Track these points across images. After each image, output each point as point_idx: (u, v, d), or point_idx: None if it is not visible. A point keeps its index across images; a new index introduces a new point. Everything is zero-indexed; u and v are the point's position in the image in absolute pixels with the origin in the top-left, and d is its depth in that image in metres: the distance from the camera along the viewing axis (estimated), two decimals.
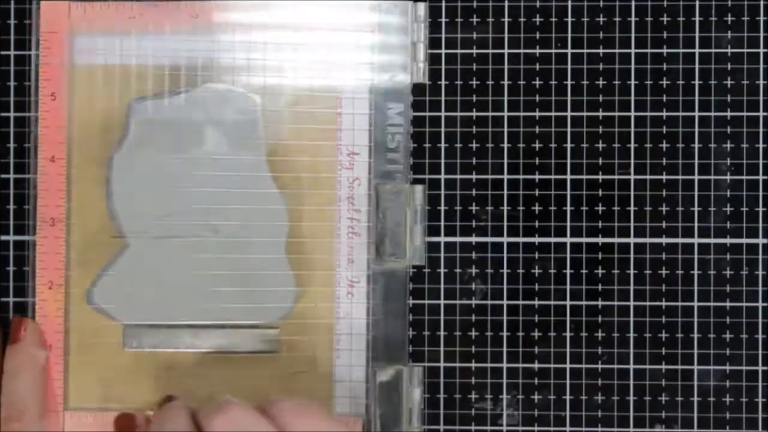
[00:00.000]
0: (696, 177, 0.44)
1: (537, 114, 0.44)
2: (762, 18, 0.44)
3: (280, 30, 0.43)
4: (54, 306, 0.43)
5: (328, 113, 0.44)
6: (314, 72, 0.44)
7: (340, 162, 0.44)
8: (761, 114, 0.44)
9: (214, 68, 0.44)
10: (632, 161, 0.44)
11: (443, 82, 0.44)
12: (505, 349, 0.44)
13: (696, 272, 0.44)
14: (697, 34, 0.44)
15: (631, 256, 0.44)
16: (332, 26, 0.43)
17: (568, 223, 0.44)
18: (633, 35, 0.44)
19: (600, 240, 0.44)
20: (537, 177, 0.44)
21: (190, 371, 0.43)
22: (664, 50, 0.44)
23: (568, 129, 0.44)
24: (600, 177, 0.44)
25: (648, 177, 0.44)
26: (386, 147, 0.43)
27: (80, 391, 0.43)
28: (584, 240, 0.44)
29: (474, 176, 0.44)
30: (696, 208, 0.44)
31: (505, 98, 0.44)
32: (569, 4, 0.44)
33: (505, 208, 0.44)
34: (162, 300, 0.43)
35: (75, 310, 0.43)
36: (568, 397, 0.44)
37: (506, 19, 0.44)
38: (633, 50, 0.44)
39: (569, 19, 0.44)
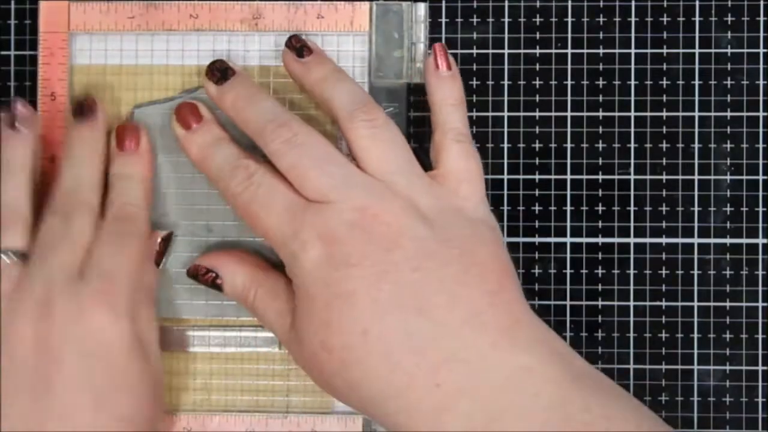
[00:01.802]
0: (696, 177, 0.44)
1: (537, 114, 0.44)
2: (762, 18, 0.44)
3: (279, 31, 0.43)
4: None
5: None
6: None
7: None
8: (761, 114, 0.44)
9: None
10: (632, 161, 0.44)
11: None
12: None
13: (696, 272, 0.44)
14: (697, 34, 0.44)
15: (631, 256, 0.44)
16: (331, 26, 0.43)
17: (568, 223, 0.44)
18: (633, 35, 0.44)
19: (600, 240, 0.44)
20: (537, 177, 0.44)
21: (188, 369, 0.43)
22: (664, 50, 0.44)
23: (568, 129, 0.44)
24: (600, 177, 0.44)
25: (648, 177, 0.44)
26: None
27: None
28: (584, 240, 0.44)
29: None
30: (696, 208, 0.44)
31: (505, 98, 0.44)
32: (569, 4, 0.44)
33: (505, 208, 0.44)
34: (159, 298, 0.43)
35: None
36: None
37: (506, 19, 0.44)
38: (633, 50, 0.44)
39: (569, 19, 0.44)
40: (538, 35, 0.44)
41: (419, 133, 0.44)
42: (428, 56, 0.41)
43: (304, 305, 0.37)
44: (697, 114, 0.44)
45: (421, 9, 0.43)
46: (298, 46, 0.41)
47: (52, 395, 0.36)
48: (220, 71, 0.41)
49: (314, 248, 0.36)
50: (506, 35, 0.44)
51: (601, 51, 0.44)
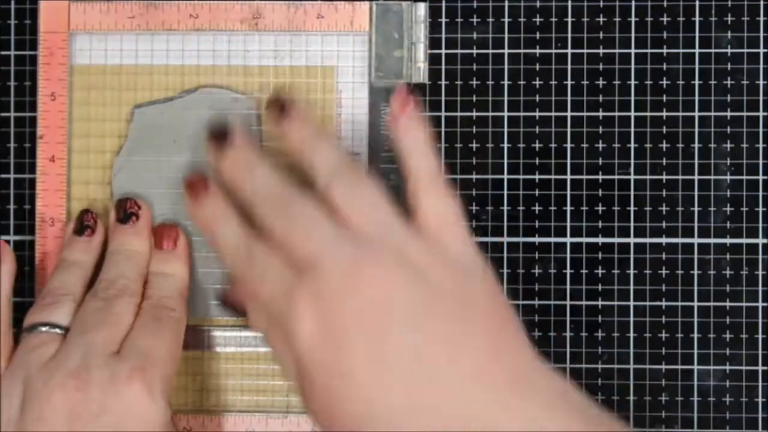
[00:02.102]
0: (696, 177, 0.44)
1: (537, 114, 0.44)
2: (762, 18, 0.44)
3: (279, 31, 0.43)
4: None
5: (327, 114, 0.44)
6: (313, 73, 0.44)
7: None
8: (761, 114, 0.44)
9: (212, 68, 0.44)
10: (632, 161, 0.44)
11: (443, 82, 0.44)
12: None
13: (696, 272, 0.44)
14: (697, 34, 0.44)
15: (631, 256, 0.44)
16: (331, 26, 0.43)
17: (568, 223, 0.44)
18: (633, 35, 0.44)
19: (600, 240, 0.44)
20: (537, 177, 0.44)
21: (188, 369, 0.43)
22: (664, 50, 0.44)
23: (568, 129, 0.44)
24: (600, 177, 0.44)
25: (648, 177, 0.44)
26: (382, 147, 0.43)
27: None
28: (584, 240, 0.44)
29: (474, 176, 0.44)
30: (696, 208, 0.44)
31: (505, 98, 0.44)
32: (569, 4, 0.44)
33: (505, 208, 0.44)
34: None
35: None
36: None
37: (506, 19, 0.44)
38: (633, 50, 0.44)
39: (569, 19, 0.44)
40: (538, 35, 0.44)
41: None
42: (392, 100, 0.40)
43: (304, 384, 0.36)
44: (697, 114, 0.44)
45: (421, 9, 0.43)
46: (277, 107, 0.40)
47: None
48: (218, 135, 0.40)
49: (307, 322, 0.35)
50: (506, 35, 0.44)
51: (601, 51, 0.44)
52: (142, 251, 0.42)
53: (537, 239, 0.44)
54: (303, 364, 0.35)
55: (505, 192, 0.44)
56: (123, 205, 0.43)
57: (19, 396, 0.37)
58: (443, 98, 0.44)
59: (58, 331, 0.39)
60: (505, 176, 0.44)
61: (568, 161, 0.44)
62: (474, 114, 0.44)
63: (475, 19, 0.44)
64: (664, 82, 0.44)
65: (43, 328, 0.39)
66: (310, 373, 0.35)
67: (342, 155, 0.39)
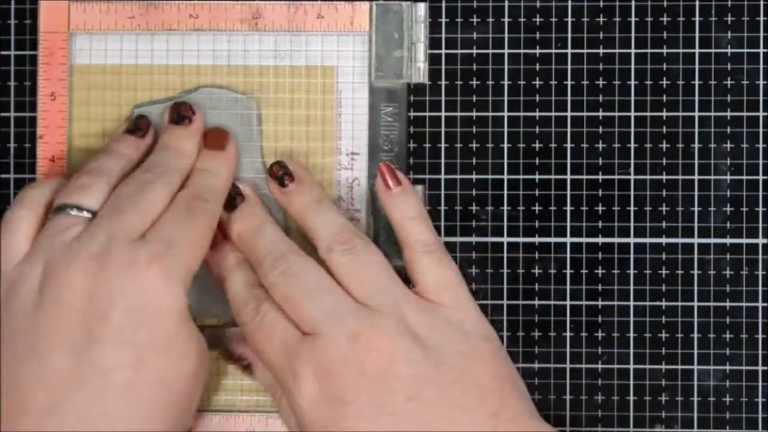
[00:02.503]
0: (696, 177, 0.44)
1: (537, 114, 0.44)
2: (762, 18, 0.44)
3: (279, 31, 0.43)
4: None
5: (327, 114, 0.44)
6: (313, 73, 0.44)
7: (339, 162, 0.44)
8: (761, 114, 0.44)
9: (212, 68, 0.44)
10: (632, 161, 0.44)
11: (443, 82, 0.44)
12: (505, 349, 0.44)
13: (696, 272, 0.44)
14: (697, 34, 0.44)
15: (631, 256, 0.44)
16: (331, 26, 0.43)
17: (568, 223, 0.44)
18: (633, 35, 0.44)
19: (600, 240, 0.44)
20: (537, 177, 0.44)
21: None
22: (664, 50, 0.44)
23: (568, 129, 0.44)
24: (600, 177, 0.44)
25: (648, 177, 0.44)
26: (381, 148, 0.43)
27: None
28: (584, 240, 0.44)
29: (474, 176, 0.44)
30: (696, 208, 0.44)
31: (505, 98, 0.44)
32: (569, 4, 0.44)
33: (505, 208, 0.44)
34: None
35: None
36: (568, 397, 0.44)
37: (506, 19, 0.44)
38: (633, 50, 0.44)
39: (569, 19, 0.44)
40: (538, 35, 0.44)
41: (419, 133, 0.44)
42: (377, 181, 0.41)
43: None
44: (697, 114, 0.44)
45: (421, 9, 0.43)
46: (279, 175, 0.41)
47: (94, 347, 0.36)
48: (232, 197, 0.41)
49: (309, 384, 0.36)
50: (506, 35, 0.44)
51: (601, 51, 0.44)
52: (190, 152, 0.41)
53: (537, 239, 0.44)
54: (304, 422, 0.37)
55: (505, 192, 0.44)
56: (178, 108, 0.42)
57: (38, 277, 0.37)
58: (443, 98, 0.44)
59: (86, 214, 0.38)
60: (505, 176, 0.44)
61: (568, 161, 0.44)
62: (474, 114, 0.44)
63: (475, 19, 0.44)
64: (664, 82, 0.44)
65: (72, 211, 0.38)
66: (312, 430, 0.37)
67: (342, 221, 0.40)
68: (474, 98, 0.44)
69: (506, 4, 0.44)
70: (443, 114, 0.44)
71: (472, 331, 0.38)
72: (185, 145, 0.41)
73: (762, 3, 0.44)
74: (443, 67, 0.44)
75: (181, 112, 0.42)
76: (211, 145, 0.42)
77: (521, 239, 0.44)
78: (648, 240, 0.44)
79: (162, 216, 0.38)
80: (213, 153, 0.42)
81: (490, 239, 0.44)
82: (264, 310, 0.38)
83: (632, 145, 0.44)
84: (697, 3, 0.44)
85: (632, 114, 0.44)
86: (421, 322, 0.38)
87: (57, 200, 0.39)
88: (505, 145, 0.44)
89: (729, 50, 0.44)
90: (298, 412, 0.37)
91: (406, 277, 0.40)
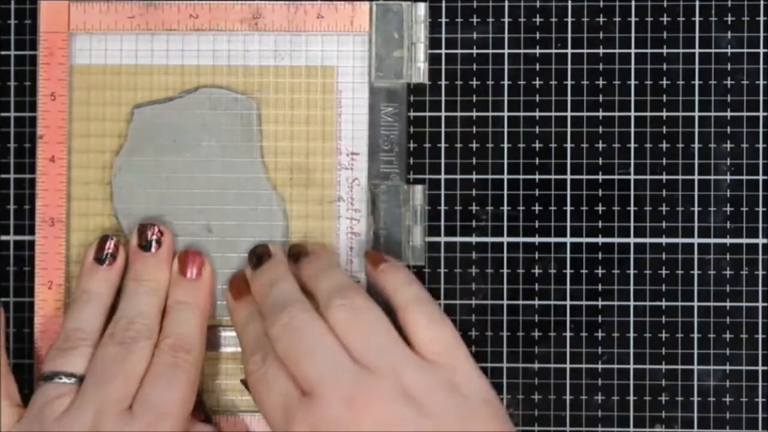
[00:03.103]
0: (696, 177, 0.44)
1: (537, 114, 0.44)
2: (762, 18, 0.44)
3: (279, 31, 0.43)
4: (54, 306, 0.43)
5: (327, 114, 0.44)
6: (313, 73, 0.44)
7: (339, 162, 0.44)
8: (761, 114, 0.44)
9: (212, 68, 0.44)
10: (632, 161, 0.44)
11: (443, 82, 0.44)
12: (505, 349, 0.44)
13: (696, 272, 0.44)
14: (697, 34, 0.44)
15: (631, 256, 0.44)
16: (331, 26, 0.43)
17: (568, 223, 0.44)
18: (633, 35, 0.44)
19: (600, 240, 0.44)
20: (537, 177, 0.44)
21: None
22: (664, 50, 0.44)
23: (568, 129, 0.44)
24: (600, 177, 0.44)
25: (648, 177, 0.44)
26: (381, 148, 0.43)
27: None
28: (584, 240, 0.44)
29: (474, 176, 0.44)
30: (696, 208, 0.44)
31: (505, 98, 0.44)
32: (569, 4, 0.44)
33: (505, 208, 0.44)
34: None
35: None
36: (568, 397, 0.44)
37: (506, 19, 0.44)
38: (633, 50, 0.44)
39: (569, 19, 0.44)
40: (538, 35, 0.44)
41: (419, 133, 0.44)
42: (366, 265, 0.42)
43: None
44: (697, 114, 0.44)
45: (421, 9, 0.43)
46: (293, 253, 0.42)
47: None
48: (257, 256, 0.42)
49: None
50: (506, 35, 0.44)
51: (601, 51, 0.44)
52: (163, 280, 0.42)
53: (537, 239, 0.44)
54: None
55: (505, 192, 0.44)
56: (145, 231, 0.42)
57: None
58: (443, 98, 0.44)
59: (73, 381, 0.39)
60: (505, 176, 0.44)
61: (568, 161, 0.44)
62: (474, 114, 0.44)
63: (475, 19, 0.44)
64: (664, 82, 0.44)
65: (60, 379, 0.39)
66: None
67: (346, 280, 0.40)
68: (474, 98, 0.44)
69: (506, 4, 0.44)
70: (443, 114, 0.44)
71: (471, 393, 0.38)
72: (158, 276, 0.42)
73: (762, 3, 0.44)
74: (443, 67, 0.44)
75: (149, 237, 0.42)
76: (186, 272, 0.42)
77: (521, 239, 0.44)
78: (648, 240, 0.44)
79: (147, 378, 0.39)
80: (189, 283, 0.42)
81: (490, 239, 0.44)
82: (269, 363, 0.38)
83: (632, 145, 0.44)
84: (697, 3, 0.44)
85: (632, 114, 0.44)
86: (419, 384, 0.37)
87: (45, 366, 0.40)
88: (505, 145, 0.44)
89: (729, 50, 0.44)
90: None
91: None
